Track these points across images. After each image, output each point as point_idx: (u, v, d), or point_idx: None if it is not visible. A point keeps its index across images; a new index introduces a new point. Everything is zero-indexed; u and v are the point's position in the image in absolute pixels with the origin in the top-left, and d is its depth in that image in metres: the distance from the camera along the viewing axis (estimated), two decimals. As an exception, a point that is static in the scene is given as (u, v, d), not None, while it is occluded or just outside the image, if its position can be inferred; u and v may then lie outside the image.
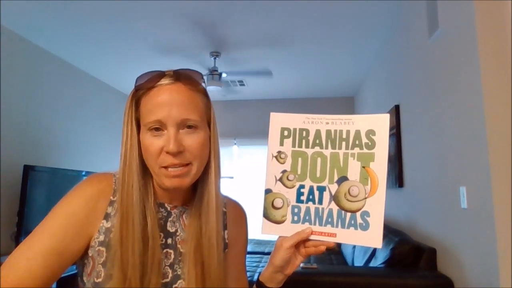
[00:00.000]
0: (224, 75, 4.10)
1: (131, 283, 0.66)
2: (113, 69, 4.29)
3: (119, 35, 3.38)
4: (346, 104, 5.45)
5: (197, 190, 0.77)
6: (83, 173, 3.79)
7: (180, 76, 0.72)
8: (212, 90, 4.05)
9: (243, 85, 4.87)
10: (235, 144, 5.59)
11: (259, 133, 5.55)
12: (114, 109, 4.87)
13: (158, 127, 0.69)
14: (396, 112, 2.94)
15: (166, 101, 0.69)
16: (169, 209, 0.76)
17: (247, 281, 0.87)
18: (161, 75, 0.72)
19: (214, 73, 3.91)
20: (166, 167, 0.69)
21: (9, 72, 3.21)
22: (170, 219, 0.76)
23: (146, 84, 0.71)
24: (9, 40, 3.21)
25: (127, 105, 0.73)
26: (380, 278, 1.98)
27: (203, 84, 0.76)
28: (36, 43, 3.54)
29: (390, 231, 2.48)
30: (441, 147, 2.05)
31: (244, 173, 5.52)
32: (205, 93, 0.77)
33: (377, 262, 2.33)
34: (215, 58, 3.85)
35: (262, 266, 3.30)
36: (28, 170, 3.12)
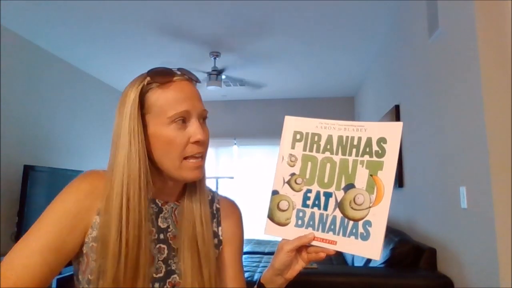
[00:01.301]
0: (223, 76, 4.10)
1: (126, 276, 0.67)
2: (113, 69, 4.29)
3: (119, 35, 3.38)
4: (346, 104, 5.45)
5: (188, 185, 0.79)
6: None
7: (186, 74, 0.77)
8: (212, 90, 4.06)
9: (243, 85, 4.87)
10: (235, 144, 5.59)
11: (259, 133, 5.56)
12: (114, 109, 4.87)
13: (183, 119, 0.72)
14: (396, 112, 2.94)
15: (189, 94, 0.74)
16: (160, 205, 0.77)
17: (244, 279, 0.86)
18: (172, 71, 0.76)
19: (214, 73, 3.91)
20: (187, 158, 0.72)
21: (9, 72, 3.21)
22: (161, 215, 0.77)
23: (163, 78, 0.73)
24: (9, 40, 3.22)
25: (130, 99, 0.73)
26: (380, 278, 1.98)
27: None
28: (36, 43, 3.54)
29: (390, 231, 2.48)
30: (441, 147, 2.05)
31: (244, 173, 5.52)
32: None
33: (377, 262, 2.33)
34: (215, 58, 3.85)
35: (262, 266, 3.30)
36: (28, 170, 3.11)
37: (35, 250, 0.65)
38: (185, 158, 0.72)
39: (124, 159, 0.70)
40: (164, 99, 0.72)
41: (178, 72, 0.76)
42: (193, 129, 0.72)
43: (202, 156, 0.74)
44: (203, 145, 0.73)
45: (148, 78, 0.74)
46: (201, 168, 0.74)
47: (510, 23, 1.54)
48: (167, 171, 0.73)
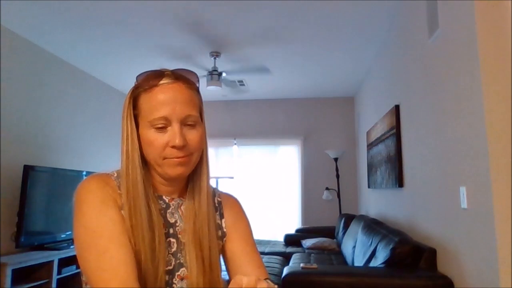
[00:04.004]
0: (224, 74, 4.10)
1: (143, 269, 0.70)
2: (113, 69, 4.29)
3: (119, 35, 3.38)
4: (346, 104, 5.45)
5: (191, 181, 0.83)
6: (83, 173, 3.79)
7: (178, 76, 0.77)
8: (212, 90, 4.06)
9: (243, 85, 4.87)
10: (235, 144, 5.59)
11: (259, 133, 5.56)
12: (114, 109, 4.87)
13: (163, 124, 0.73)
14: (396, 112, 2.94)
15: (170, 99, 0.74)
16: (167, 201, 0.81)
17: (260, 258, 0.86)
18: (161, 74, 0.76)
19: (214, 73, 3.91)
20: (167, 158, 0.75)
21: (9, 72, 3.21)
22: (169, 210, 0.80)
23: (148, 82, 0.75)
24: (9, 40, 3.22)
25: (126, 102, 0.77)
26: (380, 278, 1.98)
27: (197, 83, 0.82)
28: (36, 43, 3.54)
29: (390, 231, 2.48)
30: (441, 147, 2.05)
31: (244, 173, 5.52)
32: (198, 91, 0.82)
33: (377, 262, 2.33)
34: (215, 58, 3.85)
35: (262, 266, 3.30)
36: (28, 170, 3.12)
37: (108, 243, 0.67)
38: (166, 158, 0.74)
39: (124, 157, 0.75)
40: (147, 103, 0.75)
41: (169, 73, 0.76)
42: (171, 134, 0.73)
43: (186, 155, 0.75)
44: (182, 149, 0.73)
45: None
46: (184, 165, 0.75)
47: (510, 23, 1.54)
48: (154, 168, 0.77)
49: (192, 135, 0.75)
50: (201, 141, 0.77)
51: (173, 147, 0.73)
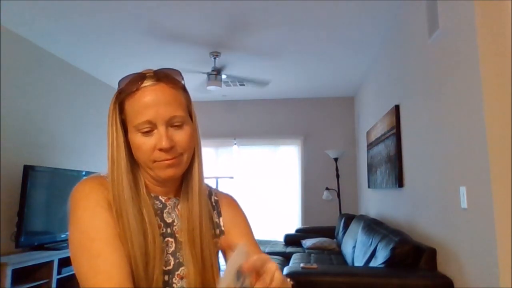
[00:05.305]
0: (224, 76, 4.10)
1: (134, 273, 0.69)
2: (114, 69, 4.28)
3: (121, 35, 3.38)
4: (346, 104, 5.45)
5: (184, 180, 0.82)
6: (83, 173, 3.79)
7: (161, 76, 0.75)
8: (212, 90, 4.06)
9: (243, 85, 4.87)
10: (235, 144, 5.59)
11: (259, 133, 5.55)
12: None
13: (149, 127, 0.72)
14: (396, 112, 2.94)
15: (153, 102, 0.73)
16: (163, 201, 0.81)
17: (262, 252, 0.86)
18: (142, 77, 0.75)
19: (214, 73, 3.91)
20: (157, 161, 0.74)
21: (9, 72, 3.21)
22: (165, 210, 0.80)
23: (130, 87, 0.74)
24: (9, 40, 3.22)
25: (110, 108, 0.77)
26: (380, 278, 1.98)
27: (182, 81, 0.79)
28: (36, 43, 3.54)
29: (390, 231, 2.48)
30: (441, 147, 2.05)
31: (244, 173, 5.52)
32: (184, 89, 0.80)
33: (377, 262, 2.33)
34: (215, 58, 3.85)
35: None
36: (28, 170, 3.12)
37: (101, 248, 0.67)
38: (156, 161, 0.74)
39: (110, 163, 0.75)
40: (131, 108, 0.74)
41: (151, 75, 0.75)
42: (158, 137, 0.72)
43: (176, 156, 0.74)
44: (169, 151, 0.73)
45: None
46: (174, 166, 0.74)
47: (510, 23, 1.54)
48: (146, 170, 0.77)
49: (180, 136, 0.74)
50: (190, 141, 0.76)
51: (161, 149, 0.72)
